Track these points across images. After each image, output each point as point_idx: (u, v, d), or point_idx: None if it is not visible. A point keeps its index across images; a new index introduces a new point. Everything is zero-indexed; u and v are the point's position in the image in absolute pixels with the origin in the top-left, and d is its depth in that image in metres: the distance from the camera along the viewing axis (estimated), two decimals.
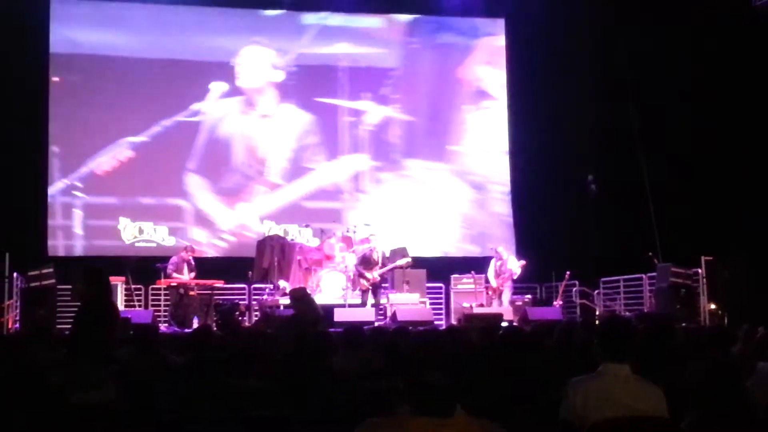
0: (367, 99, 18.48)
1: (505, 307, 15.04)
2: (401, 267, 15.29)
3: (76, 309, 6.07)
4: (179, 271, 14.87)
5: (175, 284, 14.75)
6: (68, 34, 17.35)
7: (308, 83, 18.27)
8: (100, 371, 4.93)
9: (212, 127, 17.75)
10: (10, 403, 4.40)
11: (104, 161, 17.21)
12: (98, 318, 5.62)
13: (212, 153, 17.71)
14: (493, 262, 15.76)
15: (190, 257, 15.16)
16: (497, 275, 15.57)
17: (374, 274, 14.79)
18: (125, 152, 17.28)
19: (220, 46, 17.93)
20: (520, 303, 15.57)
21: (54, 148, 17.08)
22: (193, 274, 14.97)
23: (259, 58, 18.08)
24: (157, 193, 17.47)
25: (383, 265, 14.97)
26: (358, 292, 15.04)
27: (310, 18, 18.50)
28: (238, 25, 18.26)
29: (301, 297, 11.19)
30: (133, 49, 17.60)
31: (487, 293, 15.73)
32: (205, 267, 15.58)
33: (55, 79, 17.24)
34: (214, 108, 17.80)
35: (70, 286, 12.95)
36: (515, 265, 15.44)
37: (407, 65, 18.77)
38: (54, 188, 17.05)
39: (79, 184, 17.12)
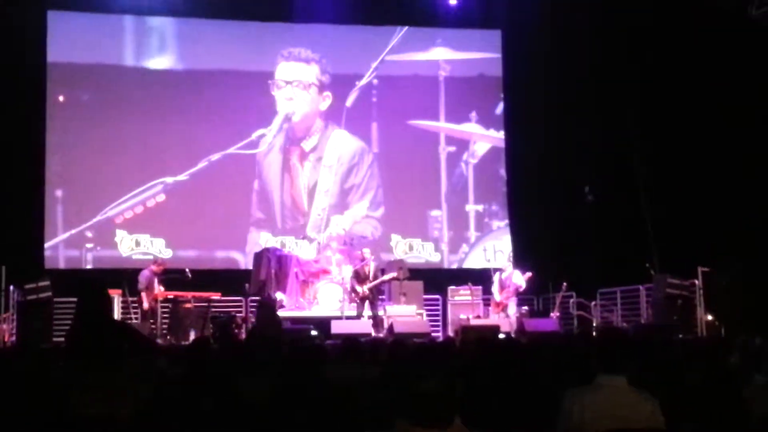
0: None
1: (511, 321, 14.91)
2: (388, 281, 15.27)
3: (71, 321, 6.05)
4: (150, 286, 14.79)
5: (171, 296, 14.73)
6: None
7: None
8: (109, 383, 4.93)
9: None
10: (15, 416, 4.41)
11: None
12: (104, 329, 5.61)
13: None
14: (497, 276, 15.65)
15: (160, 271, 15.06)
16: (501, 288, 15.46)
17: (364, 288, 14.80)
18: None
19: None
20: (517, 315, 15.53)
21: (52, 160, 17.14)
22: (162, 288, 14.88)
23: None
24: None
25: (375, 278, 14.97)
26: (354, 304, 15.04)
27: None
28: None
29: (267, 307, 12.15)
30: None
31: (493, 307, 15.56)
32: (201, 279, 15.54)
33: (60, 98, 17.34)
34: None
35: (66, 299, 12.90)
36: (520, 279, 15.29)
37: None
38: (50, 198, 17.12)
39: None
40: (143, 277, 14.80)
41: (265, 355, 5.15)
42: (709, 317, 14.48)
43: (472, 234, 18.78)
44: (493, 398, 4.87)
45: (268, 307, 12.74)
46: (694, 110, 16.29)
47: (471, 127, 18.96)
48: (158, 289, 14.82)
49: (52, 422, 4.37)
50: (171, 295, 14.76)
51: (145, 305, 14.58)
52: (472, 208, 18.84)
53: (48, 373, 5.56)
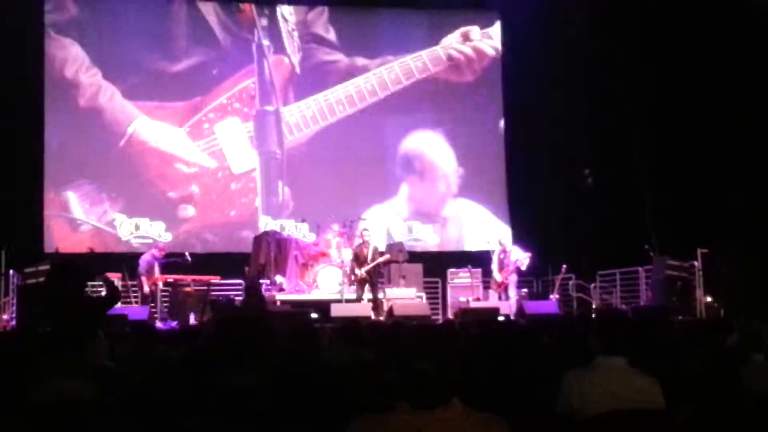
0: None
1: (510, 303, 14.88)
2: (383, 264, 15.21)
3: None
4: (151, 270, 14.81)
5: (171, 281, 14.75)
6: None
7: None
8: (74, 365, 4.93)
9: None
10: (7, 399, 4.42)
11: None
12: (72, 313, 5.65)
13: None
14: (495, 255, 15.53)
15: (161, 257, 15.05)
16: (501, 268, 15.39)
17: (362, 271, 14.74)
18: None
19: None
20: (516, 297, 15.53)
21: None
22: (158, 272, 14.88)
23: None
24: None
25: (373, 261, 14.90)
26: (354, 287, 15.02)
27: None
28: None
29: (255, 290, 12.33)
30: None
31: (493, 287, 15.52)
32: (201, 263, 15.55)
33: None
34: None
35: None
36: (521, 256, 15.15)
37: None
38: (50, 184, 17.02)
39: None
40: (144, 261, 14.83)
41: (245, 339, 5.14)
42: (709, 299, 14.49)
43: (471, 216, 18.72)
44: (492, 380, 4.88)
45: (253, 290, 12.79)
46: (695, 92, 16.22)
47: None
48: (158, 273, 14.84)
49: (31, 404, 4.40)
50: (171, 278, 14.77)
51: (146, 289, 14.61)
52: (470, 190, 18.79)
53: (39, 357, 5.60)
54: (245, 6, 16.60)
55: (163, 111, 16.27)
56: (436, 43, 17.99)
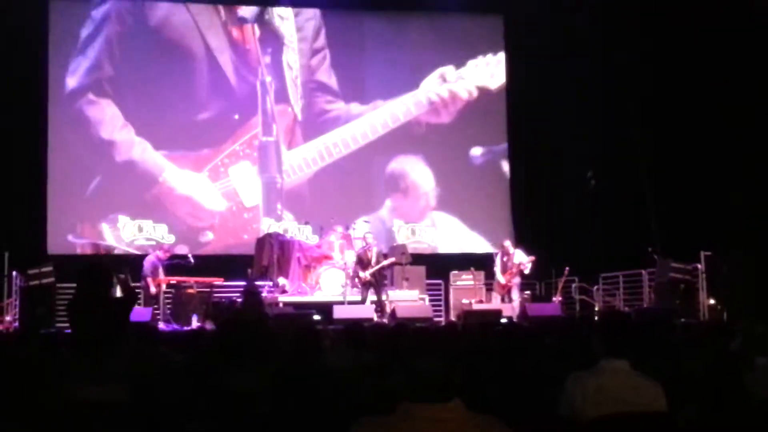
0: None
1: (513, 305, 14.83)
2: (387, 266, 15.22)
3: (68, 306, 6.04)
4: (155, 272, 14.82)
5: (174, 282, 14.75)
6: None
7: None
8: (103, 367, 4.92)
9: None
10: (11, 402, 4.41)
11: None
12: (97, 313, 5.60)
13: None
14: (498, 257, 15.42)
15: (165, 259, 15.07)
16: (504, 270, 15.25)
17: (366, 274, 14.75)
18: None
19: None
20: (519, 299, 15.49)
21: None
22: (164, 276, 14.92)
23: None
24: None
25: (377, 263, 14.90)
26: (357, 289, 15.02)
27: None
28: None
29: (249, 293, 12.42)
30: None
31: (496, 290, 15.42)
32: (205, 265, 15.56)
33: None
34: None
35: (69, 285, 12.89)
36: (525, 259, 15.01)
37: None
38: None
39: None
40: (148, 262, 14.80)
41: (245, 341, 5.14)
42: (712, 302, 14.47)
43: (475, 219, 18.73)
44: (495, 382, 4.88)
45: (251, 292, 12.80)
46: (697, 95, 16.20)
47: None
48: (162, 275, 14.84)
49: (52, 407, 4.37)
50: (174, 280, 14.77)
51: (152, 290, 14.58)
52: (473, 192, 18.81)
53: (50, 359, 5.57)
54: (251, 48, 17.64)
55: (186, 159, 17.51)
56: (417, 86, 18.73)
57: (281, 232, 16.97)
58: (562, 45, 17.95)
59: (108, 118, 17.10)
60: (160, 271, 14.83)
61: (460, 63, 18.96)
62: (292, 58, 17.99)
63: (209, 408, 4.47)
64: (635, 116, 16.73)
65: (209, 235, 17.57)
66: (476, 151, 18.95)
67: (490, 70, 19.01)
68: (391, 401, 3.00)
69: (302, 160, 18.08)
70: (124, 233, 17.22)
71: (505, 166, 19.01)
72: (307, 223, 17.24)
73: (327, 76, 18.08)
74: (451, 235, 18.71)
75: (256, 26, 17.96)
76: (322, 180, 18.25)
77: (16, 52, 16.39)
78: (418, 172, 18.74)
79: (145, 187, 17.34)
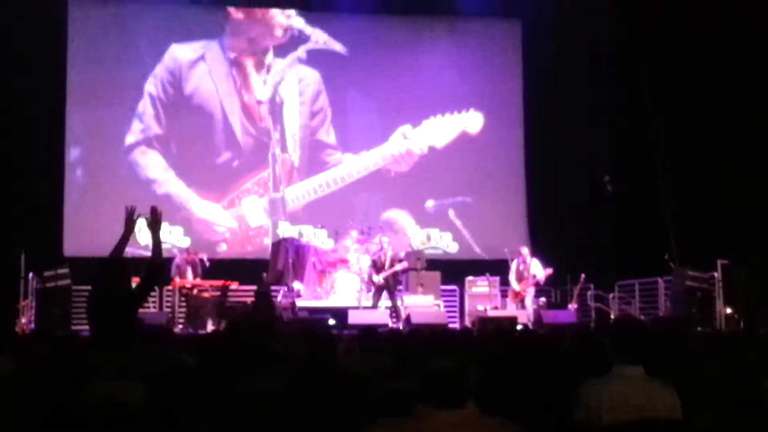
0: None
1: (529, 312, 14.72)
2: (401, 271, 15.20)
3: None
4: (183, 273, 14.87)
5: (189, 286, 14.79)
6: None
7: None
8: (120, 367, 4.93)
9: None
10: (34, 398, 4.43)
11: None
12: (116, 310, 5.59)
13: None
14: (514, 264, 15.25)
15: (196, 260, 15.14)
16: (519, 279, 15.14)
17: (379, 277, 14.75)
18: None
19: None
20: (534, 306, 15.42)
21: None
22: (197, 279, 14.97)
23: None
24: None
25: (391, 267, 14.88)
26: (372, 293, 15.01)
27: None
28: None
29: (262, 295, 12.72)
30: None
31: (511, 296, 15.30)
32: (220, 268, 15.58)
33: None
34: None
35: (85, 287, 12.94)
36: (540, 271, 14.91)
37: None
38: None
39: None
40: (175, 265, 14.88)
41: (252, 341, 5.14)
42: (729, 310, 14.38)
43: (488, 225, 18.70)
44: (510, 388, 4.87)
45: (263, 295, 12.82)
46: (717, 102, 16.11)
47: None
48: (192, 278, 14.89)
49: (69, 408, 4.39)
50: (188, 284, 14.81)
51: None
52: (489, 198, 18.80)
53: (65, 360, 5.58)
54: (262, 120, 19.15)
55: (209, 193, 18.69)
56: (386, 138, 19.34)
57: (296, 236, 17.00)
58: (579, 48, 17.91)
59: (152, 164, 18.56)
60: (189, 272, 14.91)
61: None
62: (295, 123, 19.20)
63: (223, 410, 4.48)
64: (654, 124, 16.65)
65: (223, 246, 18.38)
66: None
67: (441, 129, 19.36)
68: (407, 404, 3.00)
69: (299, 193, 19.08)
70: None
71: (522, 172, 18.99)
72: (322, 227, 17.26)
73: (326, 134, 19.32)
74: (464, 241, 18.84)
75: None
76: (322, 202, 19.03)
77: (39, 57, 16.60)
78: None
79: (176, 212, 18.21)
